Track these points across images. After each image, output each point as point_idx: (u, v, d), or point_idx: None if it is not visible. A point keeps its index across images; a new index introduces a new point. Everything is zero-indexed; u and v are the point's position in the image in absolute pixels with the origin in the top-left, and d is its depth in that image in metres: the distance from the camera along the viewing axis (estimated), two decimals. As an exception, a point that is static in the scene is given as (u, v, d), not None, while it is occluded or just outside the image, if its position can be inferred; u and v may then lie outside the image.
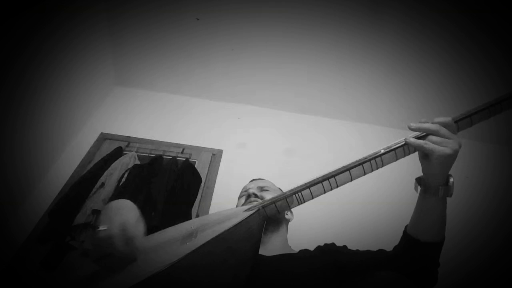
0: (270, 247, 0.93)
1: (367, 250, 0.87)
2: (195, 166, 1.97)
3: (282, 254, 0.88)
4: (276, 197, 0.68)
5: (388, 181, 2.02)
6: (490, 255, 1.84)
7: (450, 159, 0.61)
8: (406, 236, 0.75)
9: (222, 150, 2.14)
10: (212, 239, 0.59)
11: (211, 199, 1.86)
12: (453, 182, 0.66)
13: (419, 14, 1.88)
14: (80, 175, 1.81)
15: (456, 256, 1.81)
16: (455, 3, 1.78)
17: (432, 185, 0.66)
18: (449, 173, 0.66)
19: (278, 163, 2.10)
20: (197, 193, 1.84)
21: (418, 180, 0.69)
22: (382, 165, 0.65)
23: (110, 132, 2.11)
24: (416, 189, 0.70)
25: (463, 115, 0.66)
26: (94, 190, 1.69)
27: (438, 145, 0.60)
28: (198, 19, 1.99)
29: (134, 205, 0.68)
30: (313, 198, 0.65)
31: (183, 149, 2.04)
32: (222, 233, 0.60)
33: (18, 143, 1.58)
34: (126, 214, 0.64)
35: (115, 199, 1.64)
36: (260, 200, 0.90)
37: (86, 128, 2.12)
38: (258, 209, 0.67)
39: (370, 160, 0.64)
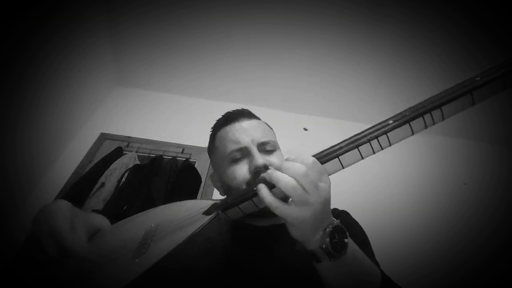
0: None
1: (371, 253, 0.71)
2: (195, 166, 1.97)
3: (273, 225, 0.70)
4: (240, 196, 0.52)
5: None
6: (490, 255, 1.84)
7: (312, 220, 0.45)
8: None
9: (274, 134, 2.12)
10: (165, 256, 0.48)
11: (211, 199, 1.86)
12: (336, 241, 0.47)
13: (419, 14, 1.88)
14: (80, 175, 1.81)
15: (456, 256, 1.82)
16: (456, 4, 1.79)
17: (308, 250, 0.49)
18: (326, 226, 0.47)
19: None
20: (197, 193, 1.84)
21: (298, 245, 0.51)
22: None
23: (110, 132, 2.11)
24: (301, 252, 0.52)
25: (332, 151, 0.48)
26: (94, 190, 1.69)
27: (292, 211, 0.44)
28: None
29: (62, 203, 0.58)
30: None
31: (183, 149, 2.04)
32: (175, 249, 0.49)
33: (18, 143, 1.58)
34: (54, 220, 0.53)
35: (115, 199, 1.60)
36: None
37: (86, 128, 2.12)
38: (218, 213, 0.53)
39: (369, 140, 0.48)
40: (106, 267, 0.53)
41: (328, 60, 2.20)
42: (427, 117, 0.47)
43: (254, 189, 0.48)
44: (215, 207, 0.55)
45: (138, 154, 1.96)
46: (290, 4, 1.93)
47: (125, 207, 1.59)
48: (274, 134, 0.85)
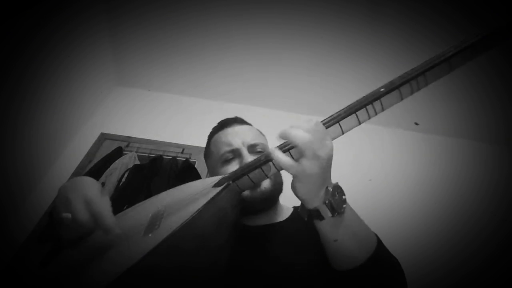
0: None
1: None
2: (195, 166, 1.97)
3: (267, 225, 0.74)
4: (249, 165, 0.56)
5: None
6: (490, 255, 1.84)
7: (320, 177, 0.50)
8: (329, 268, 0.60)
9: (265, 137, 2.13)
10: (178, 229, 0.49)
11: (211, 199, 1.86)
12: (335, 199, 0.52)
13: (419, 14, 1.88)
14: (80, 175, 1.81)
15: (456, 256, 1.82)
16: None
17: (309, 207, 0.53)
18: (328, 185, 0.52)
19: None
20: (197, 193, 1.84)
21: (301, 209, 0.55)
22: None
23: (110, 132, 2.11)
24: (304, 217, 0.55)
25: (332, 117, 0.53)
26: (94, 190, 1.69)
27: (305, 164, 0.48)
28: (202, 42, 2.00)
29: (92, 179, 0.59)
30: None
31: (183, 149, 2.04)
32: (187, 221, 0.50)
33: (18, 143, 1.58)
34: (87, 188, 0.55)
35: (115, 199, 1.61)
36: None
37: (86, 128, 2.12)
38: (228, 184, 0.56)
39: (364, 105, 0.51)
40: (117, 246, 0.54)
41: (328, 60, 2.20)
42: (413, 83, 0.52)
43: (265, 155, 0.52)
44: (225, 179, 0.58)
45: (138, 154, 1.96)
46: (290, 4, 1.93)
47: (125, 207, 1.58)
48: (266, 139, 0.91)
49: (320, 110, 2.48)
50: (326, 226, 0.53)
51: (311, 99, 2.44)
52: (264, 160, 0.54)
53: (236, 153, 0.78)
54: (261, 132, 0.92)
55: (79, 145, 2.01)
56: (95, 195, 0.54)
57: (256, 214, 0.75)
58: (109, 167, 1.81)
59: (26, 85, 1.56)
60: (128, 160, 1.87)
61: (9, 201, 1.59)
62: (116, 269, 0.48)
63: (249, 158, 0.74)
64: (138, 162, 1.88)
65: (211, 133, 0.90)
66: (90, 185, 0.57)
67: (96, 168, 1.81)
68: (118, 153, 1.94)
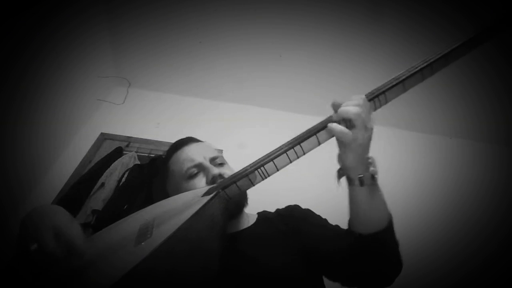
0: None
1: (336, 226, 0.79)
2: (195, 166, 1.97)
3: (239, 231, 0.79)
4: (237, 174, 0.60)
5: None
6: (490, 255, 1.84)
7: (367, 147, 0.58)
8: (350, 231, 0.67)
9: (222, 150, 2.14)
10: (170, 236, 0.51)
11: (211, 199, 1.86)
12: (373, 170, 0.60)
13: (419, 14, 1.88)
14: (80, 175, 1.81)
15: (456, 256, 1.82)
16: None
17: (352, 175, 0.60)
18: (369, 156, 0.60)
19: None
20: (197, 193, 1.84)
21: (339, 172, 0.62)
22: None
23: (110, 132, 2.11)
24: (338, 181, 0.62)
25: (376, 92, 0.60)
26: (94, 190, 1.70)
27: (358, 134, 0.55)
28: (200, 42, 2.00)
29: (57, 206, 0.59)
30: (278, 170, 0.59)
31: (183, 149, 2.04)
32: (180, 228, 0.52)
33: (18, 143, 1.58)
34: (54, 216, 0.54)
35: (115, 199, 1.60)
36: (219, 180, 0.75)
37: (86, 128, 2.12)
38: (218, 192, 0.60)
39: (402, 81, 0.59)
40: (108, 258, 0.55)
41: (328, 60, 2.20)
42: (434, 64, 0.62)
43: (257, 167, 0.58)
44: (214, 188, 0.62)
45: (138, 154, 1.96)
46: (290, 4, 1.93)
47: (125, 207, 1.59)
48: (221, 153, 0.96)
49: (320, 110, 2.49)
50: (364, 192, 0.60)
51: (311, 99, 2.44)
52: (250, 170, 0.58)
53: (200, 167, 0.81)
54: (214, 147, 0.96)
55: (79, 145, 2.01)
56: (64, 223, 0.53)
57: (233, 221, 0.80)
58: (109, 167, 1.81)
59: (27, 85, 1.56)
60: (128, 160, 1.87)
61: (9, 201, 1.59)
62: (107, 279, 0.48)
63: (215, 169, 0.79)
64: (138, 162, 1.88)
65: (166, 157, 0.92)
66: (58, 213, 0.56)
67: (96, 168, 1.81)
68: (118, 153, 1.94)
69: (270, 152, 0.60)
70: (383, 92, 0.60)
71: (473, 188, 2.14)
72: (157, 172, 1.82)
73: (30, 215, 0.58)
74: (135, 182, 1.71)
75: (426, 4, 1.83)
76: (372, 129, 0.57)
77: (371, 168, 0.60)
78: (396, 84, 0.60)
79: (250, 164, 0.60)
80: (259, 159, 0.60)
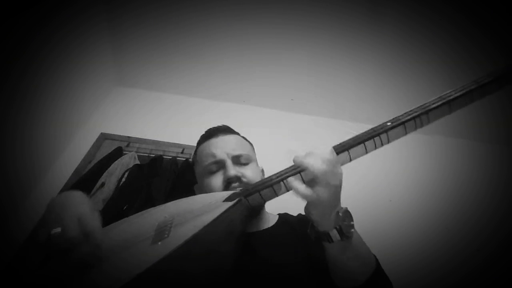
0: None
1: None
2: (195, 166, 1.97)
3: (258, 231, 0.78)
4: (261, 183, 0.59)
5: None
6: (490, 255, 1.84)
7: (333, 204, 0.55)
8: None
9: (253, 147, 2.13)
10: (189, 240, 0.51)
11: (211, 199, 1.85)
12: (345, 224, 0.55)
13: (419, 14, 1.88)
14: (80, 175, 1.81)
15: (456, 256, 1.82)
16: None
17: (320, 229, 0.57)
18: (339, 210, 0.56)
19: (279, 164, 2.10)
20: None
21: (310, 229, 0.60)
22: (388, 142, 0.58)
23: (110, 132, 2.11)
24: (312, 237, 0.59)
25: (346, 145, 0.57)
26: (94, 190, 1.69)
27: (319, 191, 0.52)
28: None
29: (82, 193, 0.60)
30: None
31: (183, 149, 2.04)
32: (199, 232, 0.52)
33: (18, 143, 1.58)
34: (79, 206, 0.55)
35: (115, 199, 1.60)
36: (238, 183, 0.75)
37: (86, 128, 2.12)
38: (240, 199, 0.59)
39: (372, 137, 0.56)
40: (121, 253, 0.55)
41: (328, 60, 2.20)
42: (417, 120, 0.58)
43: (283, 178, 0.56)
44: (236, 194, 0.61)
45: (138, 154, 1.96)
46: (290, 4, 1.93)
47: (125, 207, 1.59)
48: (252, 148, 0.93)
49: (320, 110, 2.49)
50: (334, 248, 0.57)
51: (311, 99, 2.44)
52: (276, 180, 0.57)
53: (220, 164, 0.79)
54: (248, 141, 0.93)
55: (79, 145, 2.01)
56: (87, 212, 0.54)
57: (252, 221, 0.78)
58: (109, 167, 1.81)
59: (27, 85, 1.56)
60: (128, 160, 1.87)
61: (9, 201, 1.59)
62: (122, 275, 0.48)
63: (232, 170, 0.76)
64: (138, 162, 1.88)
65: (198, 141, 0.91)
66: (81, 201, 0.57)
67: (96, 168, 1.80)
68: (118, 153, 1.94)
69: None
70: (353, 146, 0.57)
71: (473, 188, 2.14)
72: (157, 172, 1.82)
73: (58, 200, 0.58)
74: (135, 182, 1.71)
75: (426, 4, 1.83)
76: (338, 185, 0.54)
77: (343, 223, 0.55)
78: (368, 138, 0.57)
79: (275, 174, 0.59)
80: (285, 169, 0.59)
